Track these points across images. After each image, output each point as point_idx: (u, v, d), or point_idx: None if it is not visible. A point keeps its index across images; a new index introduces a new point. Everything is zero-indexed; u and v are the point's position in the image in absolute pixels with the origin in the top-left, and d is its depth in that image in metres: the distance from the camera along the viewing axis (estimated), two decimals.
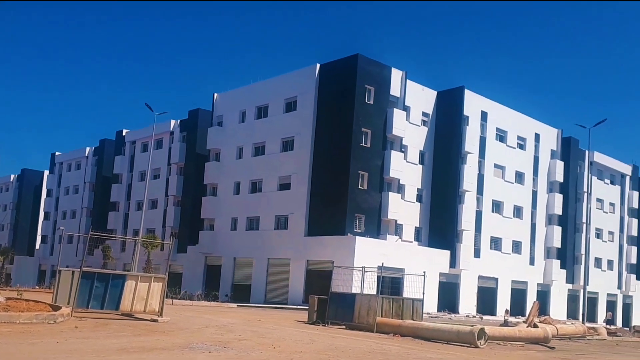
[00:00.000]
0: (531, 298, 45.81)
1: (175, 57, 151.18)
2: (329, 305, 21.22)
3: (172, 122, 55.46)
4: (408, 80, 42.87)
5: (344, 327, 20.33)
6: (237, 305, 32.53)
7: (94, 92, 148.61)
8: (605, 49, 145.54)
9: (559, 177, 52.61)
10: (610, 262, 59.00)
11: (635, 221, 61.68)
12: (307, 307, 22.71)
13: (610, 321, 51.20)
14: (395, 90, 41.98)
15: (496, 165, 48.08)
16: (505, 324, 28.87)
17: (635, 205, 61.89)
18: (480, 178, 46.48)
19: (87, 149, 68.77)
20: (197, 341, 12.65)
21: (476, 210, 45.88)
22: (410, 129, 43.07)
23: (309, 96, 42.08)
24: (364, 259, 30.95)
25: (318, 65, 42.16)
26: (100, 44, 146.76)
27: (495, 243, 47.74)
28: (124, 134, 62.20)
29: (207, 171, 49.03)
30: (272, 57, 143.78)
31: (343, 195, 38.88)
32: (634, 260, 61.11)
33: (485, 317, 38.76)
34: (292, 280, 40.29)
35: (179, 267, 48.81)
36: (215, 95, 50.56)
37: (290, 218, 41.81)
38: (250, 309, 31.30)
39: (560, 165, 52.80)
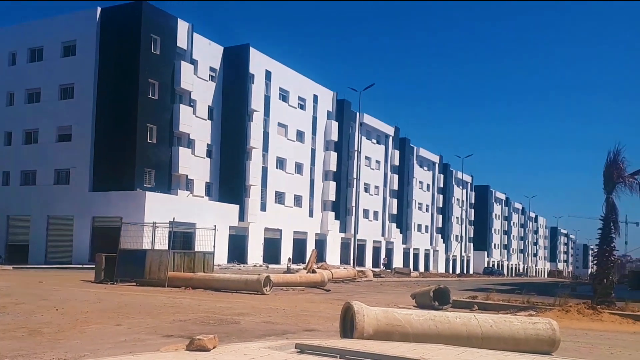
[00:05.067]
0: (310, 247, 50.01)
1: None
2: (118, 262, 20.89)
3: None
4: (195, 34, 42.46)
5: (135, 284, 20.26)
6: (13, 267, 30.37)
7: None
8: (377, 17, 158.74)
9: (334, 137, 57.27)
10: (375, 213, 66.63)
11: (396, 177, 70.16)
12: (94, 266, 22.04)
13: (386, 265, 58.52)
14: (182, 42, 41.29)
15: (280, 124, 50.56)
16: (288, 271, 31.62)
17: (397, 163, 70.34)
18: (266, 136, 48.54)
19: None
20: None
21: (262, 167, 48.02)
22: (199, 83, 43.03)
23: (90, 41, 39.43)
24: (155, 215, 30.87)
25: (99, 9, 39.60)
26: None
27: (280, 197, 50.68)
28: None
29: None
30: None
31: (131, 149, 37.72)
32: (394, 211, 69.86)
33: (271, 266, 41.52)
34: (76, 238, 38.33)
35: None
36: None
37: (72, 172, 39.36)
38: (29, 270, 29.28)
39: (335, 125, 57.37)
